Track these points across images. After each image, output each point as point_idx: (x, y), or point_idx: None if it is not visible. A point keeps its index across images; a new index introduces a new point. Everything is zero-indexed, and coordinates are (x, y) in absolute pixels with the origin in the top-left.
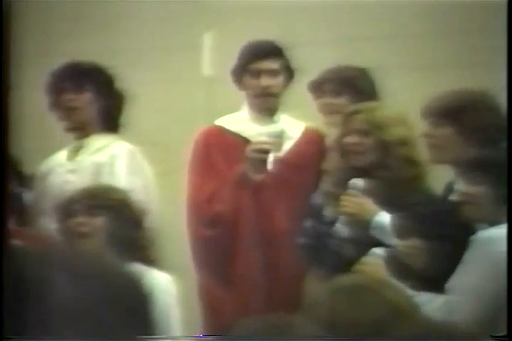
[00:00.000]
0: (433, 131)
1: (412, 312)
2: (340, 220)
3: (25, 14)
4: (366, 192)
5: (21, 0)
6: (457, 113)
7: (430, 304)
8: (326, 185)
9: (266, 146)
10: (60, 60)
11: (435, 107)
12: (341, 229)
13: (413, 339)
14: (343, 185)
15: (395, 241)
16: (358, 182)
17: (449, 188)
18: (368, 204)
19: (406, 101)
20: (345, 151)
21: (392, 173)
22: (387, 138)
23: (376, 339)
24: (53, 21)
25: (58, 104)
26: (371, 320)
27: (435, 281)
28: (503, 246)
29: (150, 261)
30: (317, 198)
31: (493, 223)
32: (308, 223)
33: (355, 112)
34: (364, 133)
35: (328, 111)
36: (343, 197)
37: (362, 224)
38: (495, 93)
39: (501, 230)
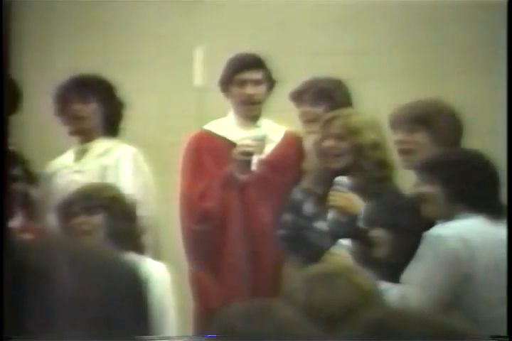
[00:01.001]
0: (407, 137)
1: (378, 296)
2: (330, 213)
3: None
4: (351, 188)
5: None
6: (429, 119)
7: (387, 293)
8: (306, 183)
9: (250, 149)
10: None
11: (407, 115)
12: (340, 218)
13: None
14: (322, 183)
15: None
16: (344, 179)
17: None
18: (355, 199)
19: (379, 109)
20: (323, 154)
21: (365, 174)
22: (361, 142)
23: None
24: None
25: (65, 112)
26: (342, 302)
27: (394, 271)
28: (452, 243)
29: (145, 249)
30: (297, 195)
31: (447, 219)
32: (288, 217)
33: (333, 118)
34: (340, 137)
35: (307, 119)
36: (331, 193)
37: (350, 217)
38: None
39: (451, 228)
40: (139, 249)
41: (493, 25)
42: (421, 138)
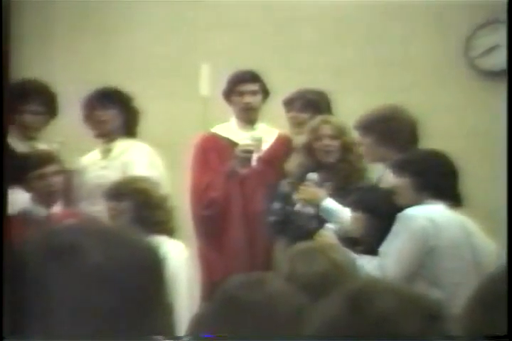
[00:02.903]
0: (361, 139)
1: (351, 269)
2: (298, 203)
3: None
4: (318, 183)
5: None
6: (375, 125)
7: (368, 264)
8: (291, 177)
9: (250, 148)
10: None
11: (361, 121)
12: (304, 208)
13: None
14: (303, 177)
15: (340, 218)
16: (313, 175)
17: (380, 179)
18: (319, 192)
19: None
20: (318, 151)
21: (351, 166)
22: (348, 140)
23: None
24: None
25: (91, 118)
26: (320, 273)
27: (373, 247)
28: (421, 221)
29: (168, 233)
30: (285, 187)
31: (416, 205)
32: (277, 205)
33: (322, 122)
34: (333, 137)
35: (295, 122)
36: (300, 187)
37: (314, 207)
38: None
39: (420, 209)
40: (162, 231)
41: (454, 39)
42: (369, 141)
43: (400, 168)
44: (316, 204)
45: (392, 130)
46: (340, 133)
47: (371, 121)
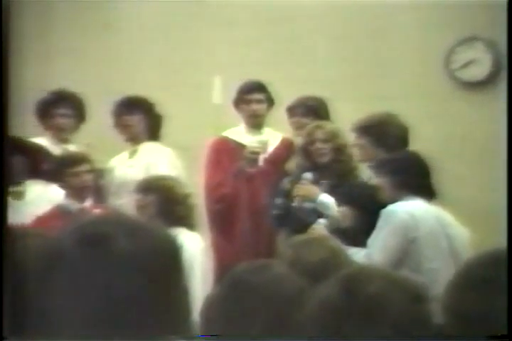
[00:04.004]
0: (356, 141)
1: (345, 256)
2: (296, 200)
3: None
4: (314, 181)
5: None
6: (370, 128)
7: (356, 255)
8: (290, 176)
9: (257, 149)
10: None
11: (357, 124)
12: (301, 204)
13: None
14: (300, 176)
15: (334, 211)
16: (308, 174)
17: (370, 178)
18: (314, 189)
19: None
20: (311, 154)
21: (346, 166)
22: (341, 142)
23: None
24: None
25: (119, 123)
26: (318, 259)
27: (360, 239)
28: (402, 216)
29: (188, 227)
30: (286, 184)
31: (396, 201)
32: (279, 200)
33: (316, 127)
34: (325, 140)
35: (297, 126)
36: (296, 185)
37: (311, 203)
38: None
39: (401, 205)
40: (185, 226)
41: (436, 53)
42: (364, 142)
43: (378, 168)
44: (311, 200)
45: (385, 134)
46: (332, 137)
47: (367, 124)
